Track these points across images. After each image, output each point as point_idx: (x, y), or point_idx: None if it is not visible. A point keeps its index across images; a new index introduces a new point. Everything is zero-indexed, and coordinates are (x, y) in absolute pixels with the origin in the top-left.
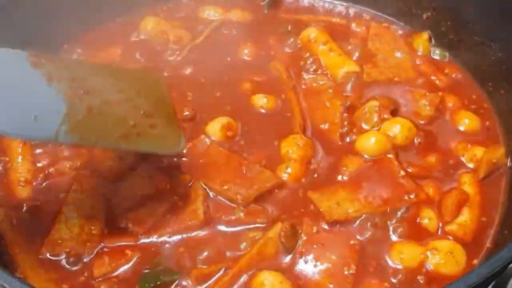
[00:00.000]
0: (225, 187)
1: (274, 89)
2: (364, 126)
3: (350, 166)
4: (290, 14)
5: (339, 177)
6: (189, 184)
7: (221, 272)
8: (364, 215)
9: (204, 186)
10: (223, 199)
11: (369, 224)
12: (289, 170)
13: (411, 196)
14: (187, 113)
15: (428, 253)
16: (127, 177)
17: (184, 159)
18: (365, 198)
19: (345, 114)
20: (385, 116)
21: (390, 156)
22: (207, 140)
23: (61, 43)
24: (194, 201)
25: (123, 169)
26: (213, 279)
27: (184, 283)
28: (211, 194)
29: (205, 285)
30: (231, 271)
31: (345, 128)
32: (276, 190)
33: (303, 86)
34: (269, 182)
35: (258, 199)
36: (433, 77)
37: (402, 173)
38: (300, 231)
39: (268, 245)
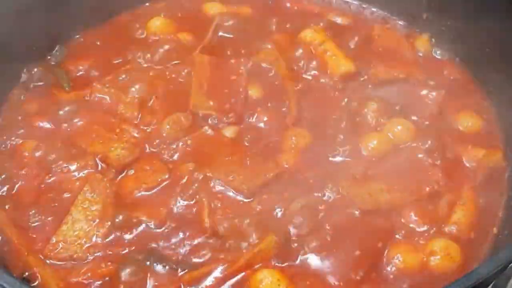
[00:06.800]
0: (231, 177)
1: (275, 87)
2: (363, 126)
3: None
4: (292, 8)
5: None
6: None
7: (217, 270)
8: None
9: (211, 180)
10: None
11: None
12: (289, 159)
13: (440, 183)
14: (211, 103)
15: (426, 255)
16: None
17: (188, 149)
18: (395, 188)
19: (342, 113)
20: (382, 120)
21: (416, 144)
22: (210, 131)
23: (73, 33)
24: (201, 212)
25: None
26: (209, 277)
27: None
28: (219, 184)
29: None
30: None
31: (341, 121)
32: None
33: (301, 84)
34: (273, 171)
35: (263, 188)
36: (434, 77)
37: (430, 161)
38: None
39: (258, 257)
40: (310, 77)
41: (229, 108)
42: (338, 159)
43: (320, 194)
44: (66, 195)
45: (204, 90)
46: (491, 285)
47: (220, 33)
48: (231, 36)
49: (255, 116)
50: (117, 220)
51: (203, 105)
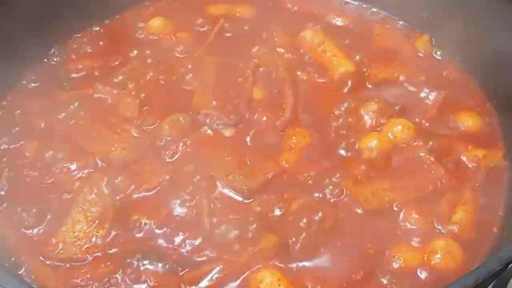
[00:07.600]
0: (230, 178)
1: (275, 88)
2: (363, 126)
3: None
4: (292, 9)
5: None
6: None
7: (217, 269)
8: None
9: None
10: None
11: None
12: (289, 158)
13: (443, 181)
14: (214, 103)
15: (427, 255)
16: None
17: (188, 149)
18: (398, 187)
19: (342, 114)
20: (382, 120)
21: (417, 143)
22: (209, 131)
23: (74, 33)
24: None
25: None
26: (209, 276)
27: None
28: (218, 184)
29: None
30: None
31: (341, 121)
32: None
33: (302, 85)
34: (273, 171)
35: (263, 188)
36: (434, 77)
37: (432, 159)
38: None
39: (258, 257)
40: (310, 77)
41: (232, 109)
42: (338, 159)
43: (320, 194)
44: (66, 195)
45: (208, 91)
46: (491, 285)
47: (221, 34)
48: (231, 36)
49: (255, 116)
50: (117, 220)
51: (206, 105)
